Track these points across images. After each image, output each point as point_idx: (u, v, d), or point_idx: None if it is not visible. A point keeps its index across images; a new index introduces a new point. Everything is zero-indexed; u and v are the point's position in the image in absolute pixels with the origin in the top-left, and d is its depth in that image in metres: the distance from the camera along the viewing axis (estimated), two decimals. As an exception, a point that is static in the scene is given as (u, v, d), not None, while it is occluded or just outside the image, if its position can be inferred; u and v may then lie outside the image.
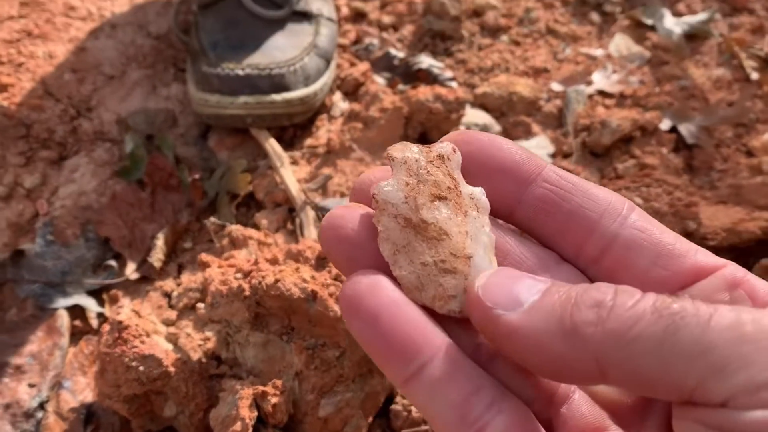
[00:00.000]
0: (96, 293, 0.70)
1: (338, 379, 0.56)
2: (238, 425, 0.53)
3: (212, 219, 0.72)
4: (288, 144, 0.82)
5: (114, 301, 0.69)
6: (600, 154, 0.82)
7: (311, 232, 0.71)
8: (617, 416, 0.27)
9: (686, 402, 0.22)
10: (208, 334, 0.59)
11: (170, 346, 0.58)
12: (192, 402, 0.57)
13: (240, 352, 0.58)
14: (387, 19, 0.97)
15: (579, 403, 0.27)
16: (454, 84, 0.88)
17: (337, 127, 0.83)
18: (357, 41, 0.95)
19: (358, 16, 0.98)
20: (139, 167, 0.79)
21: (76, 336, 0.67)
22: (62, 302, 0.69)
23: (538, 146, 0.81)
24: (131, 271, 0.71)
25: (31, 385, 0.63)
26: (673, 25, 0.95)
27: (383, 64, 0.91)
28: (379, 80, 0.89)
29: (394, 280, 0.26)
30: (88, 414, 0.61)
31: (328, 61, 0.84)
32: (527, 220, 0.29)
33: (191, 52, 0.84)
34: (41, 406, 0.62)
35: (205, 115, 0.80)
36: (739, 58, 0.91)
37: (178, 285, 0.69)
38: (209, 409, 0.57)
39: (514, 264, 0.28)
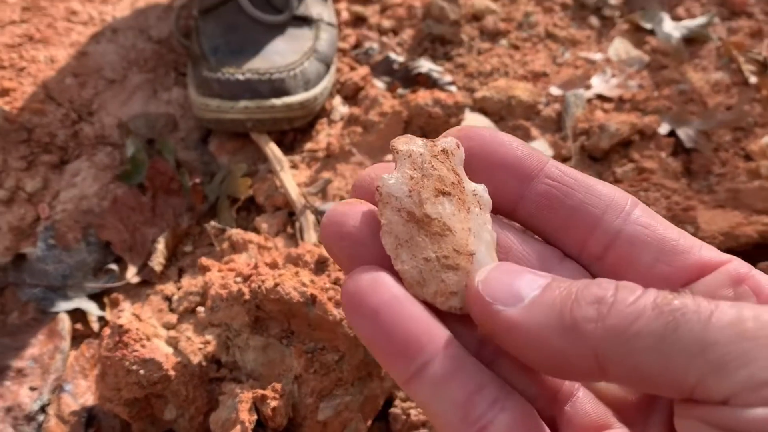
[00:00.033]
0: (97, 297, 0.71)
1: (337, 382, 0.56)
2: (237, 429, 0.53)
3: (213, 223, 0.73)
4: (288, 148, 0.82)
5: (115, 304, 0.70)
6: (598, 158, 0.82)
7: (311, 236, 0.72)
8: (621, 414, 0.27)
9: (687, 399, 0.22)
10: (208, 337, 0.59)
11: (170, 350, 0.59)
12: (192, 405, 0.58)
13: (240, 355, 0.58)
14: (387, 24, 0.98)
15: (583, 400, 0.27)
16: (453, 88, 0.89)
17: (337, 131, 0.83)
18: (357, 45, 0.95)
19: (358, 21, 0.99)
20: (140, 171, 0.79)
21: (77, 339, 0.68)
22: (63, 306, 0.69)
23: (537, 150, 0.82)
24: (132, 274, 0.72)
25: (32, 389, 0.64)
26: (671, 29, 0.95)
27: (383, 68, 0.92)
28: (379, 84, 0.90)
29: (396, 276, 0.26)
30: (89, 417, 0.61)
31: (328, 66, 0.85)
32: (529, 216, 0.29)
33: (192, 56, 0.84)
34: (42, 409, 0.62)
35: (206, 120, 0.81)
36: (738, 62, 0.91)
37: (179, 289, 0.69)
38: (209, 413, 0.57)
39: (517, 261, 0.28)
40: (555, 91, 0.89)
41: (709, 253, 0.27)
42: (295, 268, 0.59)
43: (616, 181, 0.79)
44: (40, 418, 0.62)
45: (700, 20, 0.96)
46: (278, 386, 0.55)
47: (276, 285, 0.55)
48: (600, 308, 0.23)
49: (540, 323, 0.23)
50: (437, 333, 0.25)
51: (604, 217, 0.28)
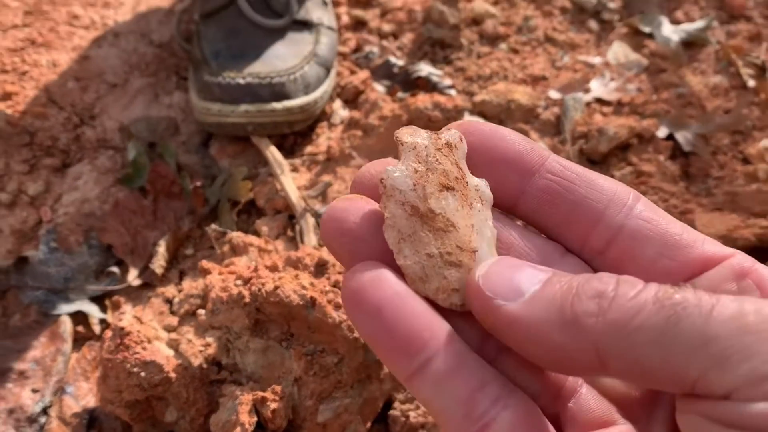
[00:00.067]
0: (98, 299, 0.71)
1: (337, 384, 0.57)
2: (237, 430, 0.53)
3: (213, 226, 0.73)
4: (288, 151, 0.83)
5: (116, 307, 0.70)
6: (597, 161, 0.82)
7: (311, 239, 0.72)
8: (625, 410, 0.27)
9: (688, 394, 0.22)
10: (209, 340, 0.60)
11: (171, 352, 0.59)
12: (192, 407, 0.58)
13: (240, 358, 0.59)
14: (387, 27, 0.98)
15: (586, 397, 0.27)
16: (453, 92, 0.89)
17: (337, 135, 0.84)
18: (357, 49, 0.96)
19: (358, 24, 0.99)
20: (142, 175, 0.80)
21: (78, 342, 0.68)
22: (65, 308, 0.70)
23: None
24: (133, 277, 0.72)
25: (34, 391, 0.64)
26: (670, 32, 0.96)
27: (383, 72, 0.92)
28: (379, 88, 0.90)
29: (397, 272, 0.25)
30: (91, 419, 0.62)
31: (328, 70, 0.85)
32: (531, 211, 0.28)
33: (193, 60, 0.85)
34: (44, 411, 0.63)
35: (207, 124, 0.81)
36: (736, 65, 0.91)
37: (180, 291, 0.70)
38: (209, 415, 0.58)
39: (518, 257, 0.27)
40: (554, 94, 0.89)
41: (713, 247, 0.27)
42: (295, 271, 0.59)
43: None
44: (42, 420, 0.62)
45: (699, 24, 0.97)
46: (278, 388, 0.56)
47: (276, 288, 0.56)
48: (601, 302, 0.22)
49: (541, 318, 0.23)
50: (439, 329, 0.25)
51: (606, 211, 0.27)
